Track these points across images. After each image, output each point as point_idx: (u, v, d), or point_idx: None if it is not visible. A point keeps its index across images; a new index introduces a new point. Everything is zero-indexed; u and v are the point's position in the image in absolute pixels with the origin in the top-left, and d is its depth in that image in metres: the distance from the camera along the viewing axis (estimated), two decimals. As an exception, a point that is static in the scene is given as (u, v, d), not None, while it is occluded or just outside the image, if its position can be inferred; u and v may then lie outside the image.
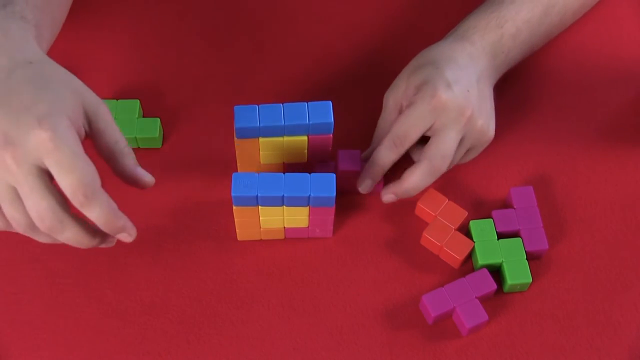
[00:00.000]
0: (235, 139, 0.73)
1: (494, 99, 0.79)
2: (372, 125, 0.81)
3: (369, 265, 0.76)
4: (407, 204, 0.78)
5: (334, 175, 0.69)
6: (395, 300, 0.74)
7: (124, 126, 0.79)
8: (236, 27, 0.90)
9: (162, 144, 0.82)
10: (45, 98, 0.58)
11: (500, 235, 0.75)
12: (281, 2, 0.92)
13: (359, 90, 0.85)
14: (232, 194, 0.68)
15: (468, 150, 0.77)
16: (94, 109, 0.61)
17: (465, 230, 0.76)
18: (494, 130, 0.77)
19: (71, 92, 0.60)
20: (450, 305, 0.71)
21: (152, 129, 0.80)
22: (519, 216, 0.76)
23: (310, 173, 0.69)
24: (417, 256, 0.76)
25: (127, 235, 0.63)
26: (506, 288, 0.73)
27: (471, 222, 0.75)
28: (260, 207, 0.70)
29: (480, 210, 0.78)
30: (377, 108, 0.80)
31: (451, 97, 0.72)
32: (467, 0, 0.84)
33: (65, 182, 0.57)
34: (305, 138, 0.73)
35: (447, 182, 0.79)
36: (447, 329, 0.72)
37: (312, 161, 0.77)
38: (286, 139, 0.73)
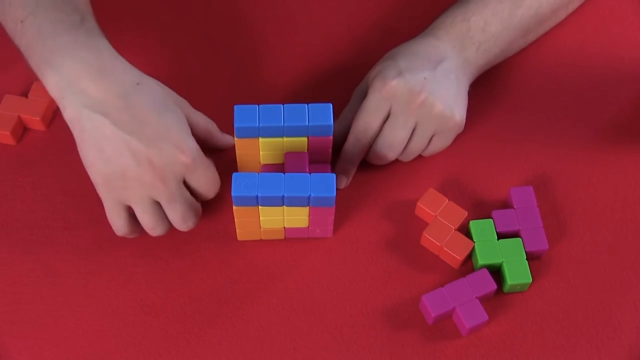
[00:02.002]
0: (235, 138, 0.73)
1: (497, 96, 0.79)
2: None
3: (369, 265, 0.76)
4: (407, 204, 0.78)
5: (334, 175, 0.69)
6: (395, 300, 0.74)
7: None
8: (236, 27, 0.90)
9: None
10: (171, 122, 0.68)
11: (500, 235, 0.75)
12: (282, 2, 0.92)
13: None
14: (232, 194, 0.68)
15: (434, 138, 0.77)
16: (186, 109, 0.73)
17: (465, 231, 0.76)
18: (461, 115, 0.77)
19: (178, 105, 0.71)
20: (450, 305, 0.71)
21: None
22: (519, 216, 0.76)
23: (310, 173, 0.69)
24: (417, 256, 0.76)
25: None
26: (506, 288, 0.73)
27: (471, 223, 0.75)
28: (260, 207, 0.70)
29: (480, 210, 0.78)
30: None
31: (401, 83, 0.73)
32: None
33: (205, 189, 0.71)
34: (305, 139, 0.73)
35: (447, 182, 0.79)
36: (447, 329, 0.72)
37: (310, 162, 0.77)
38: (286, 139, 0.73)
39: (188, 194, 0.71)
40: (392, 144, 0.76)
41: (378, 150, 0.76)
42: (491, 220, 0.76)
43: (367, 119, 0.75)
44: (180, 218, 0.71)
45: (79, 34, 0.69)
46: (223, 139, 0.77)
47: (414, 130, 0.76)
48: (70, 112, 0.68)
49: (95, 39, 0.70)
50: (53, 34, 0.69)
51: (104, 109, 0.67)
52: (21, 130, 0.82)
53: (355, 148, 0.76)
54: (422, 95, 0.74)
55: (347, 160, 0.78)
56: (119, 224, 0.71)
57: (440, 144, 0.78)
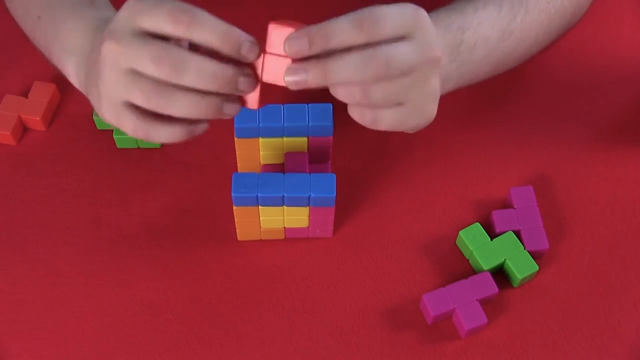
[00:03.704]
0: (235, 138, 0.73)
1: (497, 96, 0.78)
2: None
3: (369, 265, 0.76)
4: (407, 205, 0.78)
5: (334, 175, 0.69)
6: (395, 300, 0.74)
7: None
8: (236, 26, 0.90)
9: (162, 144, 0.82)
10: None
11: (494, 235, 0.75)
12: (282, 2, 0.92)
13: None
14: (232, 194, 0.68)
15: (399, 105, 0.62)
16: None
17: (453, 241, 0.76)
18: (434, 113, 0.65)
19: None
20: (450, 305, 0.71)
21: None
22: (519, 216, 0.76)
23: (310, 173, 0.70)
24: (417, 256, 0.76)
25: (250, 44, 0.58)
26: (517, 283, 0.73)
27: (461, 232, 0.75)
28: (260, 207, 0.70)
29: (480, 210, 0.78)
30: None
31: (432, 25, 0.62)
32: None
33: (161, 20, 0.56)
34: (305, 139, 0.73)
35: (447, 182, 0.79)
36: (447, 330, 0.72)
37: (310, 162, 0.77)
38: (286, 139, 0.73)
39: (153, 38, 0.57)
40: (391, 60, 0.58)
41: (372, 54, 0.58)
42: (478, 224, 0.76)
43: (388, 15, 0.58)
44: (156, 61, 0.57)
45: (89, 15, 0.68)
46: None
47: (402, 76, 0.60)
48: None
49: (105, 11, 0.68)
50: (65, 20, 0.68)
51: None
52: (21, 130, 0.82)
53: (350, 30, 0.57)
54: (439, 51, 0.62)
55: (326, 34, 0.57)
56: (127, 125, 0.61)
57: (395, 117, 0.62)
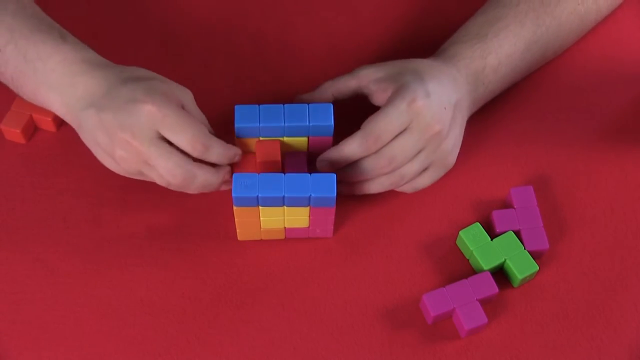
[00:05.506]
0: (235, 138, 0.73)
1: (497, 97, 0.78)
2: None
3: (369, 265, 0.76)
4: (407, 205, 0.78)
5: (335, 175, 0.69)
6: (395, 300, 0.74)
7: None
8: (236, 26, 0.90)
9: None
10: (141, 87, 0.68)
11: (495, 235, 0.75)
12: (282, 2, 0.91)
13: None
14: (233, 195, 0.68)
15: (426, 170, 0.75)
16: (182, 96, 0.72)
17: (453, 241, 0.77)
18: (455, 158, 0.76)
19: (178, 90, 0.72)
20: (450, 305, 0.71)
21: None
22: (519, 216, 0.76)
23: (310, 173, 0.69)
24: (417, 256, 0.76)
25: (237, 156, 0.72)
26: (517, 283, 0.73)
27: (461, 232, 0.75)
28: (260, 207, 0.70)
29: (481, 210, 0.78)
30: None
31: (427, 106, 0.71)
32: (466, 8, 0.84)
33: (182, 141, 0.68)
34: (306, 139, 0.73)
35: (447, 182, 0.79)
36: (447, 330, 0.72)
37: (310, 162, 0.77)
38: (286, 139, 0.73)
39: (169, 147, 0.68)
40: (394, 158, 0.72)
41: (377, 159, 0.72)
42: (478, 224, 0.76)
43: (386, 126, 0.71)
44: (169, 174, 0.69)
45: (67, 50, 0.72)
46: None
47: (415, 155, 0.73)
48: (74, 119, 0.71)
49: (83, 51, 0.73)
50: (41, 57, 0.72)
51: (92, 100, 0.70)
52: (32, 129, 0.82)
53: (359, 149, 0.71)
54: (438, 126, 0.72)
55: (343, 156, 0.72)
56: (164, 183, 0.71)
57: (429, 179, 0.76)
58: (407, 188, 0.76)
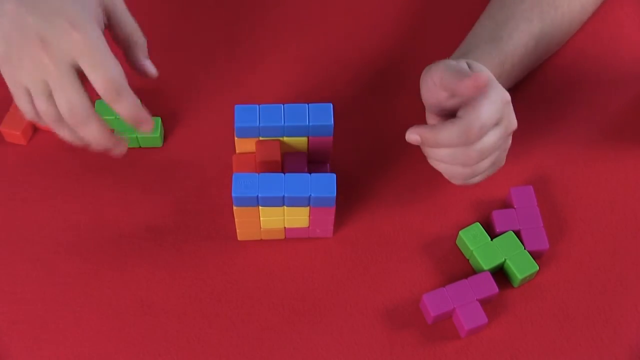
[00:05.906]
0: (235, 138, 0.73)
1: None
2: (373, 128, 0.81)
3: (369, 265, 0.76)
4: (407, 205, 0.78)
5: (335, 175, 0.69)
6: (395, 300, 0.74)
7: (125, 126, 0.79)
8: (236, 27, 0.90)
9: (163, 144, 0.82)
10: (72, 2, 0.64)
11: (494, 235, 0.75)
12: (282, 2, 0.92)
13: (361, 93, 0.85)
14: (233, 195, 0.68)
15: (492, 164, 0.72)
16: (111, 3, 0.68)
17: (453, 241, 0.76)
18: (505, 159, 0.74)
19: None
20: (450, 305, 0.71)
21: (153, 128, 0.80)
22: (519, 216, 0.76)
23: (310, 173, 0.70)
24: (417, 256, 0.76)
25: (148, 125, 0.68)
26: (517, 283, 0.74)
27: (461, 232, 0.75)
28: (260, 207, 0.70)
29: (480, 210, 0.78)
30: (378, 111, 0.79)
31: (510, 102, 0.70)
32: (466, 7, 0.84)
33: (98, 79, 0.64)
34: (305, 139, 0.73)
35: (447, 182, 0.79)
36: (447, 330, 0.72)
37: (310, 162, 0.77)
38: (286, 139, 0.73)
39: (80, 85, 0.65)
40: (483, 152, 0.69)
41: (468, 152, 0.69)
42: (478, 224, 0.76)
43: (487, 121, 0.67)
44: (68, 109, 0.65)
45: None
46: (143, 61, 0.72)
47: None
48: None
49: None
50: None
51: None
52: (31, 130, 0.82)
53: (457, 140, 0.68)
54: (515, 125, 0.71)
55: (437, 141, 0.69)
56: (23, 107, 0.67)
57: (487, 174, 0.73)
58: (477, 179, 0.73)
